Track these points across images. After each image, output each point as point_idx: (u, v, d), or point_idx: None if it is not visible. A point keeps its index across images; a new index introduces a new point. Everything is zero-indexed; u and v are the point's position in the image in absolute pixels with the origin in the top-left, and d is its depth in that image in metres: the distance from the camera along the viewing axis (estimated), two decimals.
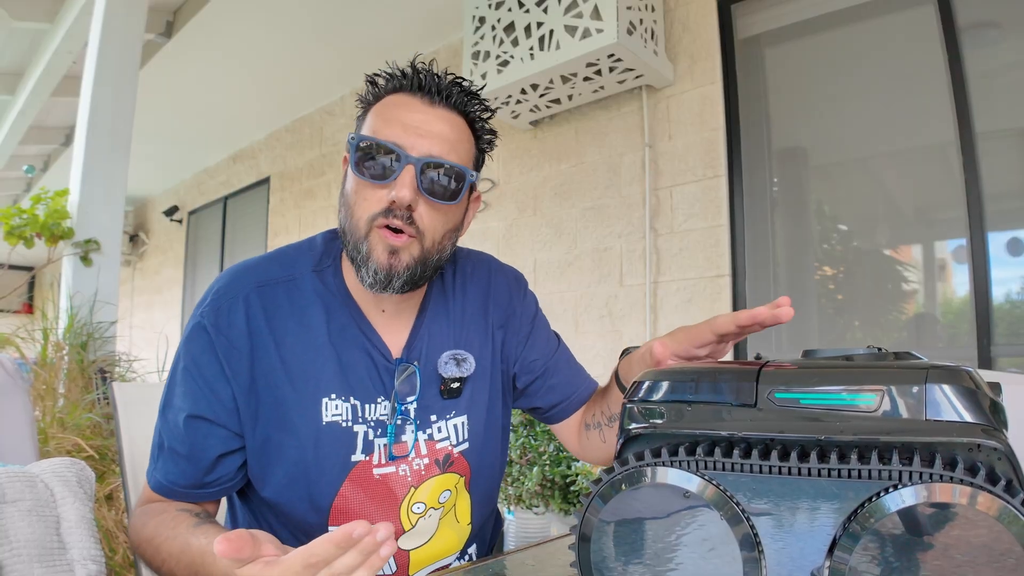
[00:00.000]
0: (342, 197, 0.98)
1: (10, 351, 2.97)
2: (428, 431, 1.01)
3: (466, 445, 1.05)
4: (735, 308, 2.91)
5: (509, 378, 1.15)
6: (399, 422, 0.98)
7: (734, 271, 2.94)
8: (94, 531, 0.76)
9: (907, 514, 0.44)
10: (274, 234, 5.87)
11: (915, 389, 0.47)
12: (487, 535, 1.17)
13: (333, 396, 0.95)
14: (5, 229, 3.12)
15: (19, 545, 0.67)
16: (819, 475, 0.48)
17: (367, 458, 0.96)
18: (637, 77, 3.09)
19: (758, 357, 0.60)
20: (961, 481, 0.43)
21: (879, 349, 0.57)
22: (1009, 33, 2.47)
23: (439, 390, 1.03)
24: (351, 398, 0.96)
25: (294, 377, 0.94)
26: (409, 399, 0.99)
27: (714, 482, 0.52)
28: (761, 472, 0.50)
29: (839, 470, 0.48)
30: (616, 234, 3.34)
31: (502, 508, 2.35)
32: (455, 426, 1.04)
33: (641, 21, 2.93)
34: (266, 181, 6.08)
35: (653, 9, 3.06)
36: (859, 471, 0.47)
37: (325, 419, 0.94)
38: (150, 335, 6.92)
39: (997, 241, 2.43)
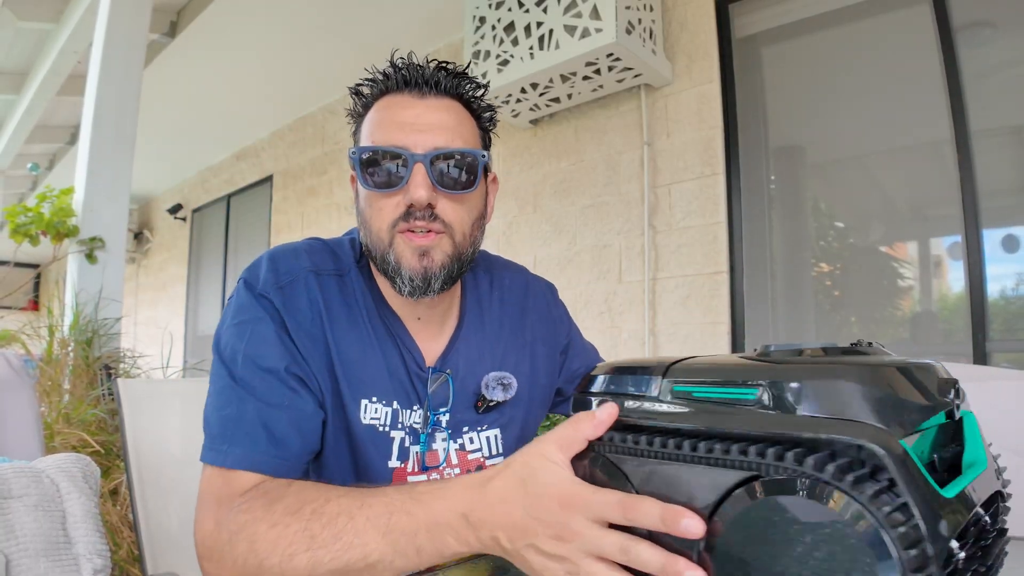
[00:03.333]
0: (358, 216, 0.95)
1: (16, 348, 3.01)
2: (459, 441, 0.99)
3: (500, 459, 1.01)
4: (733, 304, 2.94)
5: (551, 392, 1.14)
6: (431, 431, 0.96)
7: (732, 268, 2.96)
8: (99, 526, 0.77)
9: (761, 505, 0.46)
10: (277, 232, 5.90)
11: (794, 385, 0.49)
12: None
13: (374, 399, 0.92)
14: (11, 227, 3.14)
15: (25, 539, 0.68)
16: (694, 463, 0.51)
17: (402, 465, 0.94)
18: (636, 76, 3.10)
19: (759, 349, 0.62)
20: (808, 476, 0.44)
21: (857, 343, 0.58)
22: (1003, 32, 2.49)
23: (475, 405, 1.00)
24: (394, 402, 0.93)
25: (344, 373, 0.91)
26: (442, 409, 0.97)
27: (615, 464, 0.56)
28: (649, 456, 0.54)
29: (708, 459, 0.50)
30: (615, 231, 3.36)
31: None
32: (487, 438, 1.02)
33: (640, 21, 2.95)
34: (269, 179, 6.11)
35: (651, 9, 3.08)
36: (726, 461, 0.48)
37: (364, 421, 0.91)
38: (154, 332, 6.97)
39: (992, 238, 2.45)
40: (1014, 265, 2.42)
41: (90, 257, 3.18)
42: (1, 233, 6.26)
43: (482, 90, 0.98)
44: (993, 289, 2.43)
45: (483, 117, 0.99)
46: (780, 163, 3.04)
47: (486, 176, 1.00)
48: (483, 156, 0.92)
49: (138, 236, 8.44)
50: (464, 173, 0.90)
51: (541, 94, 3.35)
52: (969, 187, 2.46)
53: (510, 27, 3.20)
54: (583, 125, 3.54)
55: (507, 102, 3.44)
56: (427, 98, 0.91)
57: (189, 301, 7.32)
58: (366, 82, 0.95)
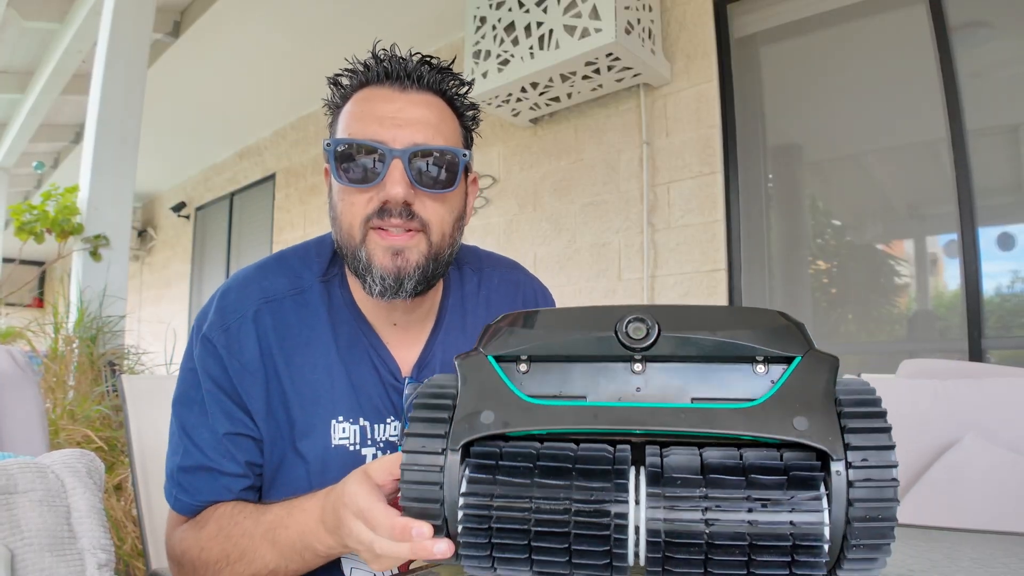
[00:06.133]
0: (331, 211, 0.91)
1: (21, 344, 3.03)
2: None
3: None
4: (731, 302, 2.95)
5: None
6: None
7: (730, 265, 2.97)
8: (104, 521, 0.78)
9: None
10: (279, 230, 5.93)
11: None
12: None
13: (341, 418, 0.89)
14: (16, 225, 3.16)
15: (30, 534, 0.69)
16: None
17: None
18: (635, 75, 3.12)
19: None
20: None
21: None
22: (999, 32, 2.50)
23: None
24: (360, 419, 0.89)
25: (303, 399, 0.88)
26: None
27: None
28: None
29: None
30: (614, 229, 3.37)
31: None
32: None
33: (639, 20, 2.97)
34: (272, 178, 6.13)
35: (650, 9, 3.09)
36: None
37: (334, 442, 0.88)
38: (158, 329, 6.97)
39: (987, 236, 2.46)
40: (1009, 263, 2.44)
41: (94, 255, 3.21)
42: (7, 231, 6.29)
43: (466, 87, 0.93)
44: (989, 287, 2.45)
45: (466, 115, 0.95)
46: (778, 162, 3.05)
47: (467, 176, 0.95)
48: (464, 155, 0.87)
49: (142, 234, 8.46)
50: (444, 172, 0.85)
51: (541, 93, 3.36)
52: (965, 185, 2.47)
53: (510, 27, 3.22)
54: (583, 124, 3.56)
55: (507, 101, 3.46)
56: (408, 92, 0.87)
57: (192, 298, 7.34)
58: (346, 72, 0.90)
